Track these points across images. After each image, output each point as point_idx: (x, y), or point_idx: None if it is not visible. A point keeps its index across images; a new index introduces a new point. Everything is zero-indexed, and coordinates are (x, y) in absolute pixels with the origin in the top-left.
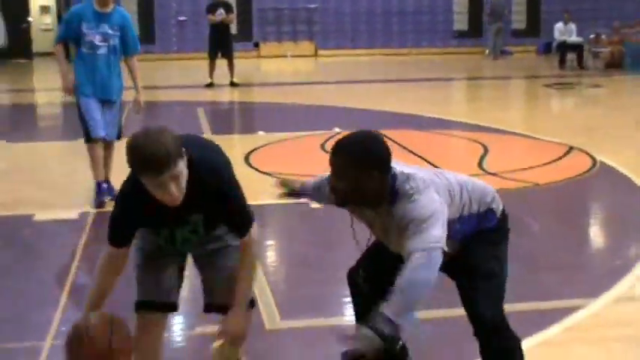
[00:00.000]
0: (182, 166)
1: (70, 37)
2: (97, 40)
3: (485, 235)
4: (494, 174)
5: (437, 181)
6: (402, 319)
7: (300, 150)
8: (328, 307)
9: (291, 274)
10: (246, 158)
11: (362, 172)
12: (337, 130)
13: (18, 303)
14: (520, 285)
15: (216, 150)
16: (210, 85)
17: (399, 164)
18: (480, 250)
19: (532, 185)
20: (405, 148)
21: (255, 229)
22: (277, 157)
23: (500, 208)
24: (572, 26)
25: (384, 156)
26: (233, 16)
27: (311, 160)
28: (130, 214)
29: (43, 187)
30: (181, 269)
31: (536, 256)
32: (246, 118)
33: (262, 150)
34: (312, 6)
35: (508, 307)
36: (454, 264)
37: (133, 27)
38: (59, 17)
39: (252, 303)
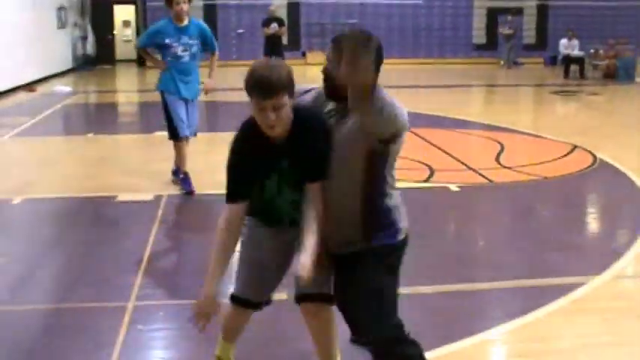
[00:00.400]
0: (287, 101)
1: (148, 46)
2: (179, 50)
3: (380, 253)
4: (509, 167)
5: None
6: None
7: None
8: None
9: None
10: None
11: (371, 63)
12: None
13: (104, 269)
14: (529, 263)
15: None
16: None
17: None
18: (371, 269)
19: (541, 178)
20: (431, 144)
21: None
22: None
23: (403, 236)
24: (575, 42)
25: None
26: (284, 29)
27: None
28: (243, 154)
29: (124, 173)
30: (284, 269)
31: (545, 238)
32: None
33: None
34: (352, 21)
35: (518, 283)
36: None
37: (210, 32)
38: (138, 30)
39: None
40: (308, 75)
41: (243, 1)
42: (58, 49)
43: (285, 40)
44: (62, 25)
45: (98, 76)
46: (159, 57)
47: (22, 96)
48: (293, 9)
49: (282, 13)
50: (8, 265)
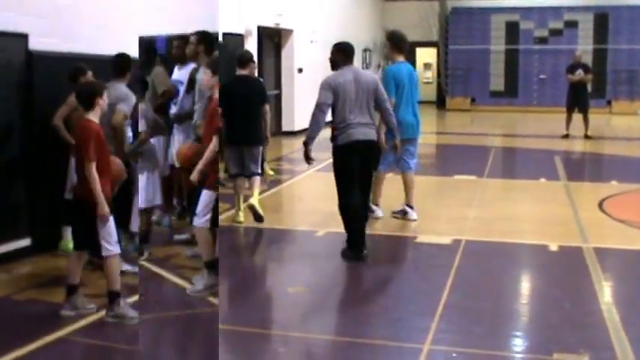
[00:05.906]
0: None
1: None
2: None
3: None
4: None
5: None
6: None
7: None
8: None
9: None
10: (600, 204)
11: None
12: None
13: (402, 308)
14: None
15: None
16: (566, 137)
17: None
18: None
19: None
20: None
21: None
22: (630, 206)
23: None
24: None
25: None
26: (590, 76)
27: None
28: None
29: (423, 215)
30: None
31: None
32: (598, 167)
33: (616, 198)
34: None
35: None
36: None
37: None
38: (438, 72)
39: None
40: (612, 124)
41: (547, 45)
42: None
43: (589, 88)
44: (366, 66)
45: None
46: None
47: (324, 132)
48: (599, 55)
49: (588, 60)
50: (305, 295)
